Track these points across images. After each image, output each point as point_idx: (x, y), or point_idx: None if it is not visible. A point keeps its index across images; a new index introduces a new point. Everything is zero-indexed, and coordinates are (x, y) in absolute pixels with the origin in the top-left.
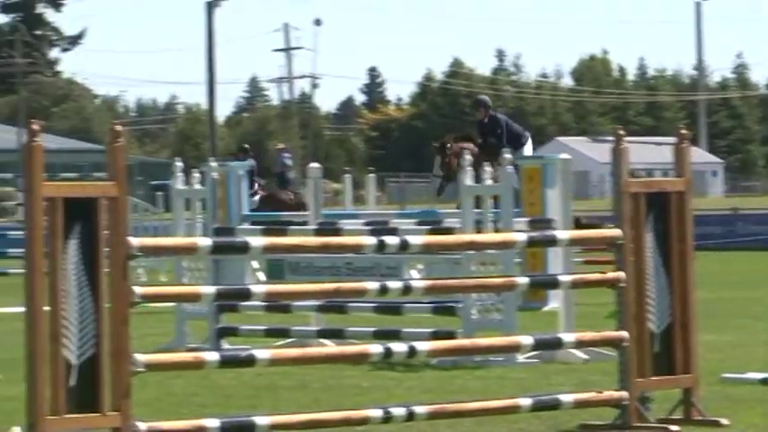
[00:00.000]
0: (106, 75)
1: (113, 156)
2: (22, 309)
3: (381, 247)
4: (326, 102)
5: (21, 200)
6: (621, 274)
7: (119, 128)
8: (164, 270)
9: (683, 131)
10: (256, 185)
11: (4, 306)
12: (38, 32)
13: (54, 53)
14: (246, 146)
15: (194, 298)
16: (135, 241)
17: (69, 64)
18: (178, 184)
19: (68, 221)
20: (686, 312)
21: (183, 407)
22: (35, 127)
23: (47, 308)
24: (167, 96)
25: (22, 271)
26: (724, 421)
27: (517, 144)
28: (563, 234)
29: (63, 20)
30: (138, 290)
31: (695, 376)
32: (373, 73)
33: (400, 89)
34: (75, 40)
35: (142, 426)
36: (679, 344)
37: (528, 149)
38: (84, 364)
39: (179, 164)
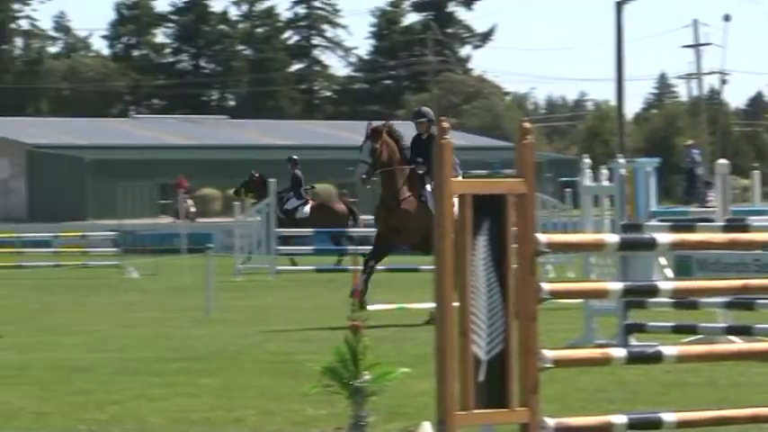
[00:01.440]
0: (515, 72)
1: (522, 153)
2: (433, 305)
3: None
4: (735, 97)
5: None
6: None
7: (528, 125)
8: (571, 266)
9: None
10: (305, 195)
11: (415, 302)
12: (449, 30)
13: (465, 51)
14: (295, 157)
15: (602, 294)
16: (543, 238)
17: (479, 61)
18: (586, 180)
19: (477, 218)
20: None
21: (589, 403)
22: (446, 124)
23: (456, 304)
24: (576, 93)
25: (433, 267)
26: None
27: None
28: None
29: (473, 18)
30: (545, 286)
31: None
32: None
33: None
34: (485, 38)
35: (550, 422)
36: None
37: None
38: (493, 360)
39: (587, 161)
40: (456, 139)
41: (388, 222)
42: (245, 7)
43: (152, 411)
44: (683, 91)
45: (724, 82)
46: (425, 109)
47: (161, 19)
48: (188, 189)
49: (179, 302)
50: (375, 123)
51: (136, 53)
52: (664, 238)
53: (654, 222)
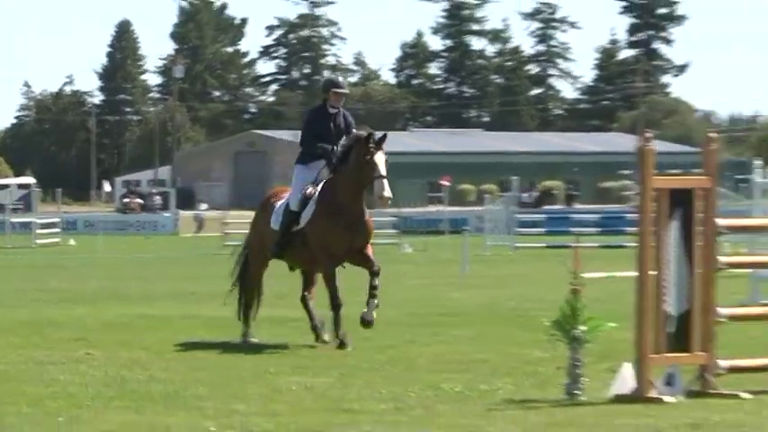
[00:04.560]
0: (701, 91)
1: (707, 156)
2: (635, 273)
3: None
4: None
5: (636, 190)
6: None
7: (713, 135)
8: (744, 244)
9: None
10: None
11: (621, 271)
12: (654, 63)
13: (665, 78)
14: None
15: (766, 265)
16: (722, 222)
17: (677, 87)
18: (757, 177)
19: (672, 206)
20: None
21: (755, 349)
22: (648, 135)
23: (653, 272)
24: (752, 110)
25: (635, 245)
26: None
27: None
28: None
29: (672, 52)
30: (722, 259)
31: None
32: None
33: None
34: (682, 69)
35: (723, 363)
36: None
37: None
38: (680, 316)
39: (758, 162)
40: (657, 146)
41: (355, 244)
42: (498, 46)
43: (418, 354)
44: None
45: None
46: (342, 80)
47: (434, 55)
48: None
49: (442, 271)
50: (362, 132)
51: (414, 81)
52: None
53: None
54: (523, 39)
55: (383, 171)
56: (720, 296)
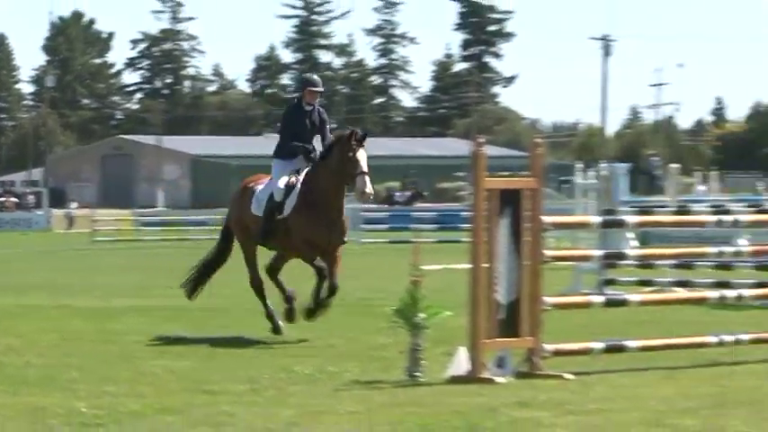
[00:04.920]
0: (527, 101)
1: (534, 160)
2: (469, 266)
3: (719, 222)
4: (685, 120)
5: (470, 190)
6: None
7: (538, 141)
8: (567, 239)
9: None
10: None
11: (456, 264)
12: (485, 75)
13: (496, 89)
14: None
15: (587, 259)
16: (547, 219)
17: (506, 97)
18: (578, 179)
19: (502, 205)
20: None
21: (577, 334)
22: (480, 140)
23: (485, 265)
24: (573, 118)
25: (469, 240)
26: None
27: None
28: None
29: (502, 65)
30: (548, 253)
31: None
32: None
33: None
34: (510, 80)
35: (549, 347)
36: None
37: None
38: (510, 304)
39: (579, 165)
40: (489, 150)
41: (333, 239)
42: (344, 59)
43: (273, 339)
44: (648, 116)
45: (677, 110)
46: (318, 78)
47: (286, 67)
48: None
49: (295, 264)
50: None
51: (269, 91)
52: (631, 219)
53: (624, 208)
54: (367, 52)
55: (365, 168)
56: (546, 286)
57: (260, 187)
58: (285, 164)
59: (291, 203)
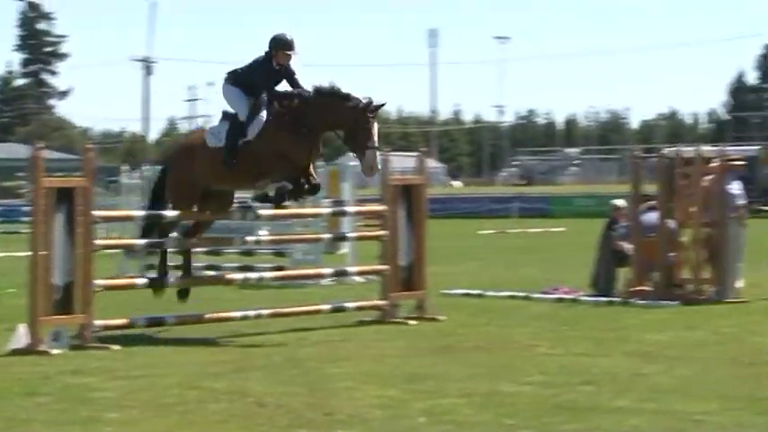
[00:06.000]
0: (80, 112)
1: (86, 163)
2: (29, 253)
3: (244, 216)
4: None
5: (31, 188)
6: (385, 232)
7: (89, 147)
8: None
9: (422, 149)
10: None
11: (17, 252)
12: (43, 89)
13: (52, 101)
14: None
15: (132, 248)
16: (97, 213)
17: (62, 108)
18: (124, 179)
19: (58, 201)
20: (420, 253)
21: (125, 311)
22: (39, 146)
23: (43, 252)
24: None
25: (30, 231)
26: (441, 317)
27: None
28: (350, 209)
29: (57, 81)
30: (98, 242)
31: (425, 291)
32: None
33: None
34: (64, 94)
35: (99, 322)
36: (416, 271)
37: None
38: (65, 286)
39: (125, 167)
40: (47, 154)
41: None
42: None
43: None
44: (184, 126)
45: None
46: (292, 39)
47: None
48: None
49: None
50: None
51: None
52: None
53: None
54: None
55: (377, 142)
56: (98, 271)
57: (210, 127)
58: (242, 93)
59: (257, 127)
